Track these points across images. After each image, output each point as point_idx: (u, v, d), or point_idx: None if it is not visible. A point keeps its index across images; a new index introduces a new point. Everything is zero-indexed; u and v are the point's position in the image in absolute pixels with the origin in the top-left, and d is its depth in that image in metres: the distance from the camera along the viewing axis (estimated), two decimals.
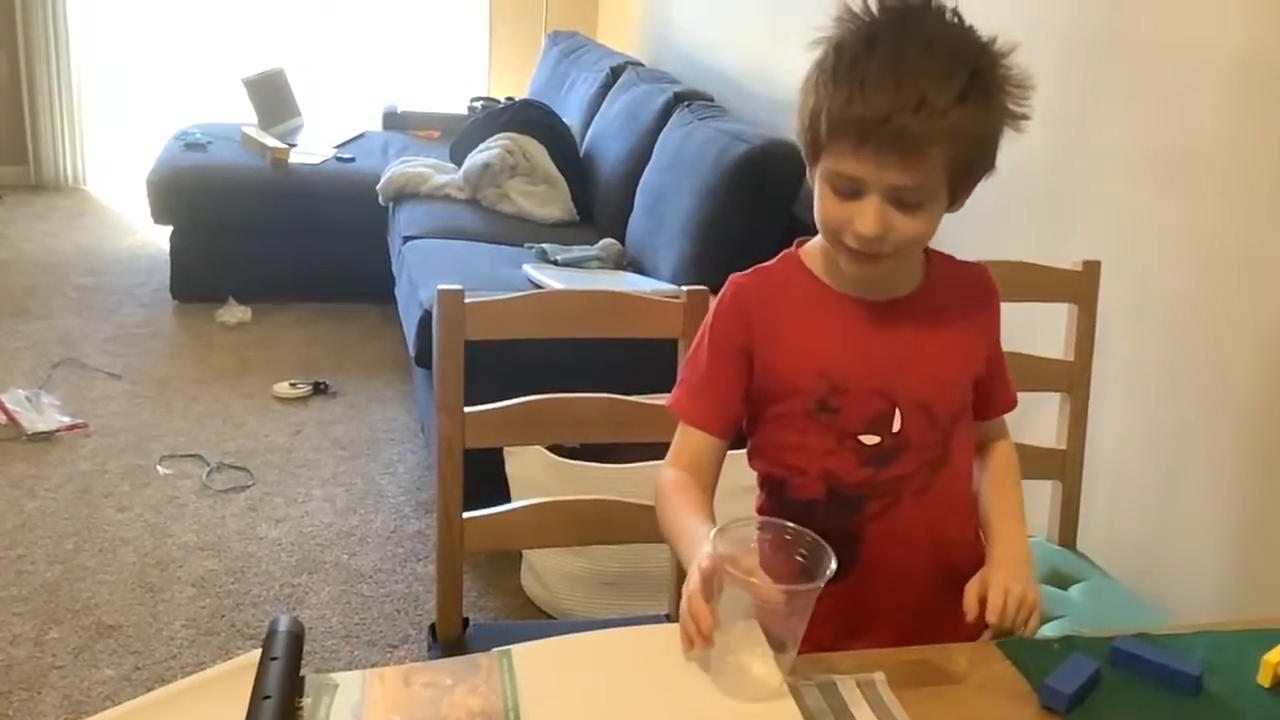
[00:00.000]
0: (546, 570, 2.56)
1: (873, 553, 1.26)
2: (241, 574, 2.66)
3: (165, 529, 2.82)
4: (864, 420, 1.25)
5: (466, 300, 1.56)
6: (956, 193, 1.21)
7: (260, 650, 1.06)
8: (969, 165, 1.18)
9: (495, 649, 1.11)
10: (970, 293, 1.34)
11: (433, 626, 1.64)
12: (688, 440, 1.32)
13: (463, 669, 1.08)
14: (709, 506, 1.26)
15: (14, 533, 2.75)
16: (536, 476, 2.47)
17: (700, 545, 1.11)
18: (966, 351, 1.32)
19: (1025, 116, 1.21)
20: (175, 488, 3.01)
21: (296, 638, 1.08)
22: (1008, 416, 1.44)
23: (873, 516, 1.26)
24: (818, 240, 1.29)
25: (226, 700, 1.01)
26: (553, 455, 2.44)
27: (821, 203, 1.21)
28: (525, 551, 2.63)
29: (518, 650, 1.10)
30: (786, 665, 1.09)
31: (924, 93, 1.11)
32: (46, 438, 3.19)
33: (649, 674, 1.09)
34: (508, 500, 1.68)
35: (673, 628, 1.12)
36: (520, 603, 2.63)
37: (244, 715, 0.97)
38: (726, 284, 1.32)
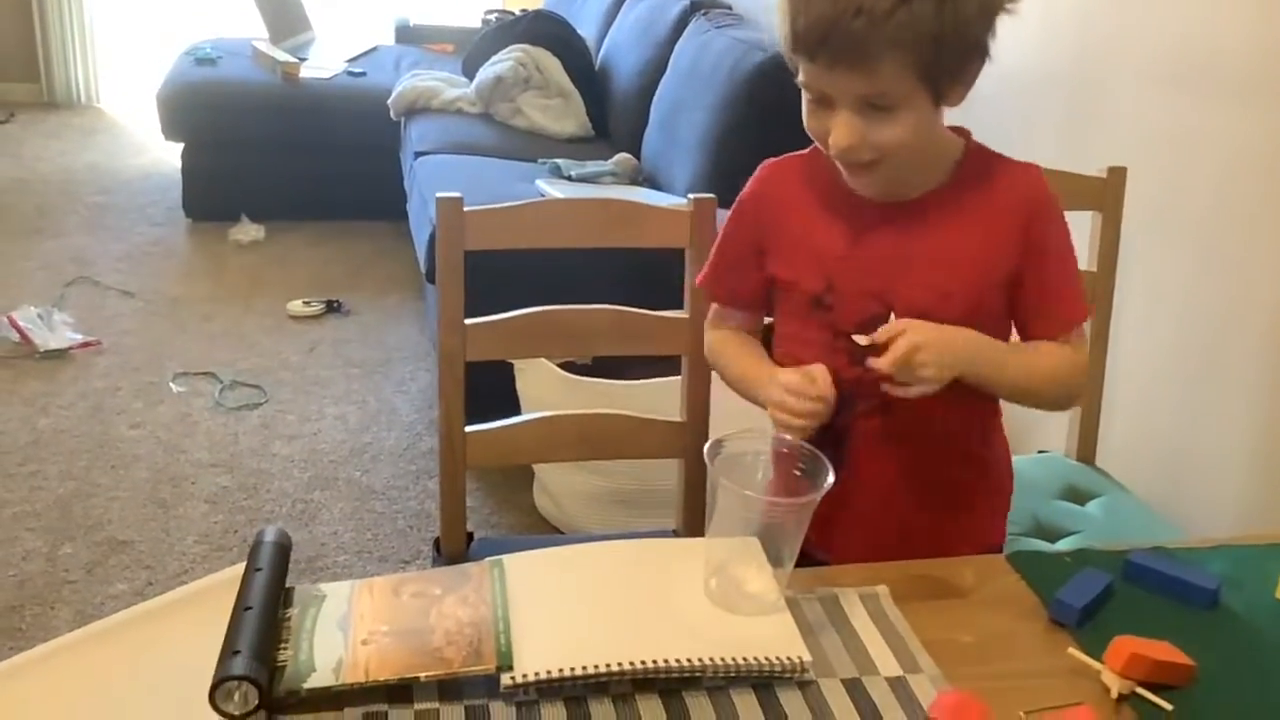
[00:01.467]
0: (558, 487, 2.54)
1: (858, 454, 1.22)
2: (254, 490, 2.66)
3: (178, 446, 2.81)
4: (855, 321, 1.21)
5: (466, 209, 1.51)
6: (941, 90, 1.14)
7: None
8: (938, 64, 1.11)
9: (488, 559, 1.08)
10: (1005, 196, 1.23)
11: (437, 541, 1.62)
12: (721, 311, 1.38)
13: (453, 579, 1.06)
14: (761, 349, 1.33)
15: (27, 449, 2.75)
16: (546, 393, 2.44)
17: (766, 385, 1.18)
18: (983, 259, 1.22)
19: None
20: (188, 405, 3.01)
21: (282, 549, 1.06)
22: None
23: (861, 416, 1.22)
24: None
25: (213, 611, 0.99)
26: (562, 371, 2.41)
27: (805, 117, 1.19)
28: (537, 468, 2.61)
29: (509, 560, 1.08)
30: (784, 579, 1.06)
31: (860, 1, 1.06)
32: (59, 355, 3.18)
33: (643, 587, 1.06)
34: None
35: (669, 541, 1.10)
36: (533, 520, 2.62)
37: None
38: (758, 168, 1.33)
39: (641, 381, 2.29)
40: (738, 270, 1.33)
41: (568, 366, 2.43)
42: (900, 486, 1.28)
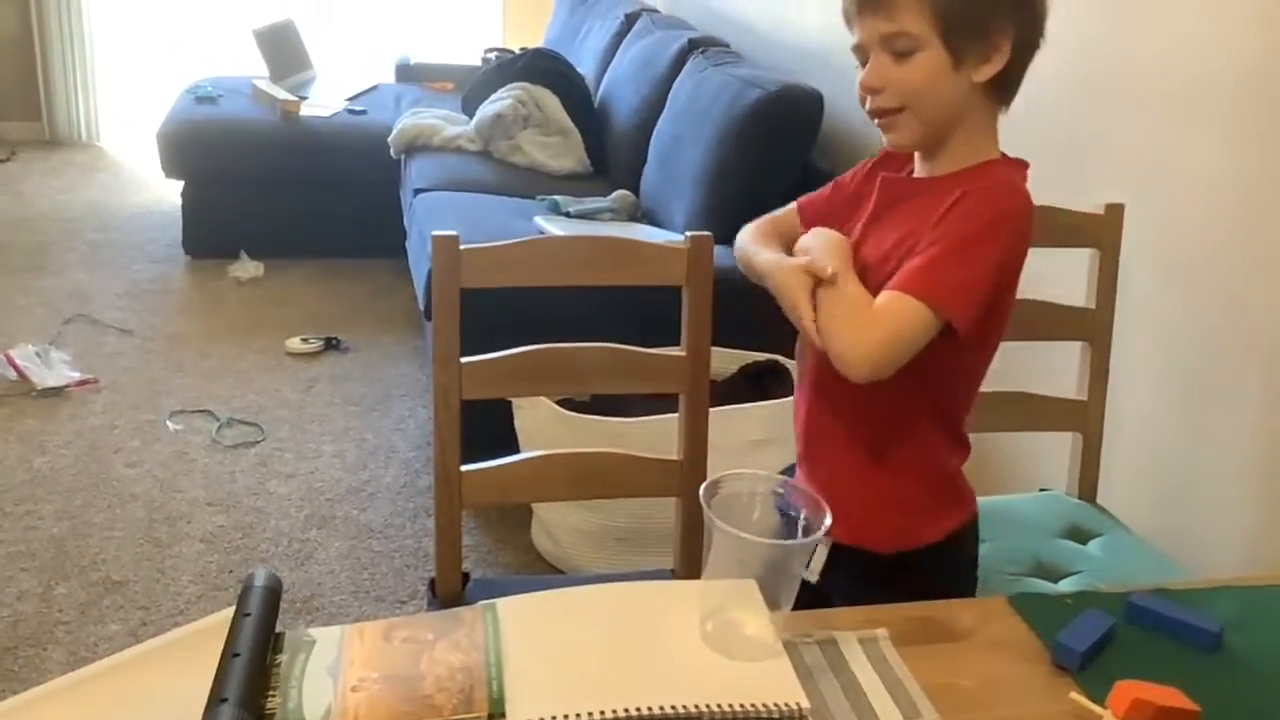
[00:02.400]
0: (556, 525, 2.52)
1: (806, 406, 1.40)
2: (250, 529, 2.64)
3: (174, 484, 2.80)
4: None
5: (462, 247, 1.51)
6: (959, 48, 1.24)
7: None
8: (959, 16, 1.22)
9: (480, 603, 1.07)
10: (960, 190, 1.28)
11: (432, 582, 1.60)
12: (784, 212, 1.50)
13: (445, 624, 1.04)
14: (774, 237, 1.45)
15: (22, 488, 2.73)
16: (545, 430, 2.43)
17: (777, 273, 1.33)
18: (905, 233, 1.31)
19: None
20: (185, 443, 2.99)
21: (273, 593, 1.04)
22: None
23: (805, 371, 1.41)
24: None
25: (203, 656, 0.98)
26: (560, 408, 2.40)
27: (858, 84, 1.31)
28: (535, 506, 2.60)
29: (503, 604, 1.06)
30: (781, 622, 1.04)
31: None
32: (56, 393, 3.17)
33: (639, 631, 1.05)
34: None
35: (664, 584, 1.08)
36: (531, 558, 2.60)
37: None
38: (882, 150, 1.44)
39: (641, 419, 2.28)
40: (832, 202, 1.46)
41: (566, 404, 2.43)
42: (842, 448, 1.39)
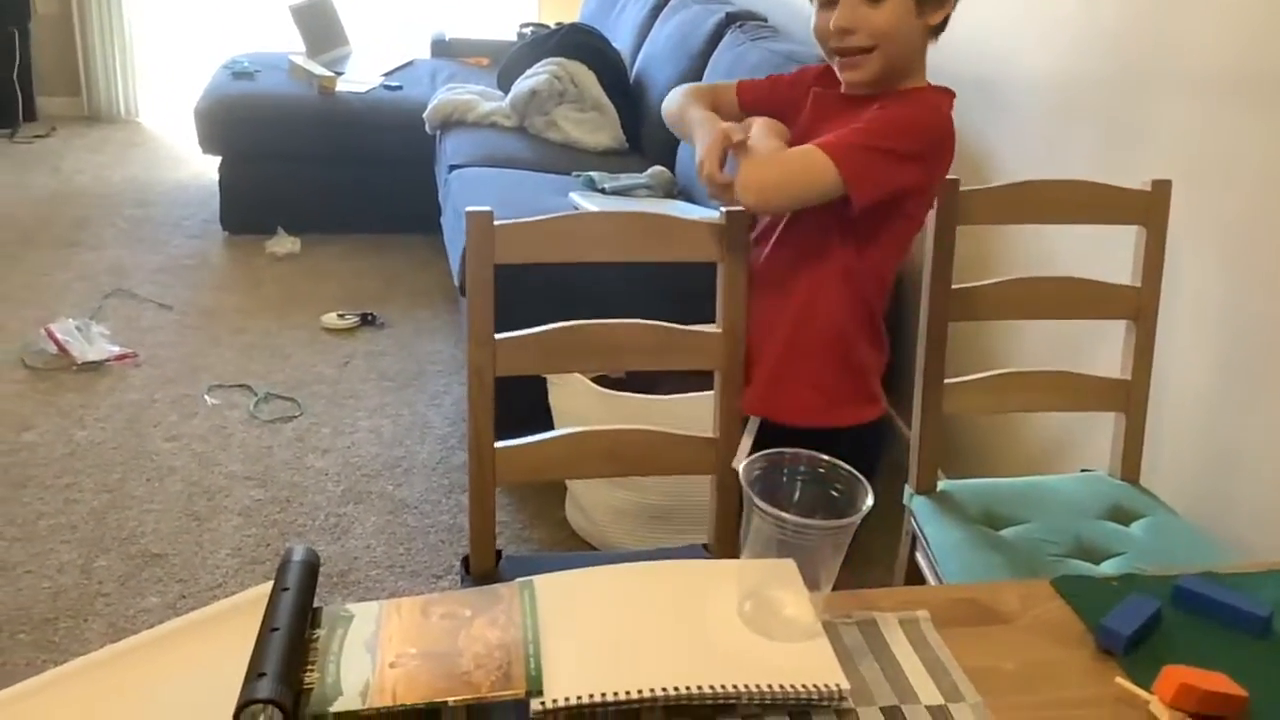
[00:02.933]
0: (590, 502, 2.52)
1: (756, 281, 1.56)
2: (287, 503, 2.66)
3: (212, 458, 2.82)
4: None
5: (496, 223, 1.50)
6: None
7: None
8: None
9: (518, 579, 1.07)
10: (892, 101, 1.51)
11: (465, 559, 1.60)
12: (723, 86, 1.73)
13: (483, 600, 1.04)
14: (707, 98, 1.70)
15: (63, 461, 2.76)
16: (579, 407, 2.42)
17: (706, 125, 1.58)
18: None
19: None
20: (223, 418, 3.02)
21: (310, 568, 1.04)
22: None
23: (756, 253, 1.61)
24: None
25: (241, 630, 0.98)
26: (595, 385, 2.39)
27: (814, 24, 1.51)
28: (569, 483, 2.60)
29: (540, 581, 1.06)
30: (820, 603, 1.03)
31: None
32: (96, 367, 3.20)
33: (676, 611, 1.04)
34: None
35: (702, 563, 1.07)
36: (565, 534, 2.60)
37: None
38: (807, 66, 1.73)
39: (676, 396, 2.27)
40: (771, 94, 1.69)
41: (601, 381, 2.42)
42: (781, 326, 1.60)
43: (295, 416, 3.04)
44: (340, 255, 4.15)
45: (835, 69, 1.57)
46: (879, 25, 1.46)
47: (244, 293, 3.82)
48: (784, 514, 0.99)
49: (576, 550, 2.54)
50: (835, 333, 1.61)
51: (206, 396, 3.11)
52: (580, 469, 1.67)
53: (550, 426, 1.89)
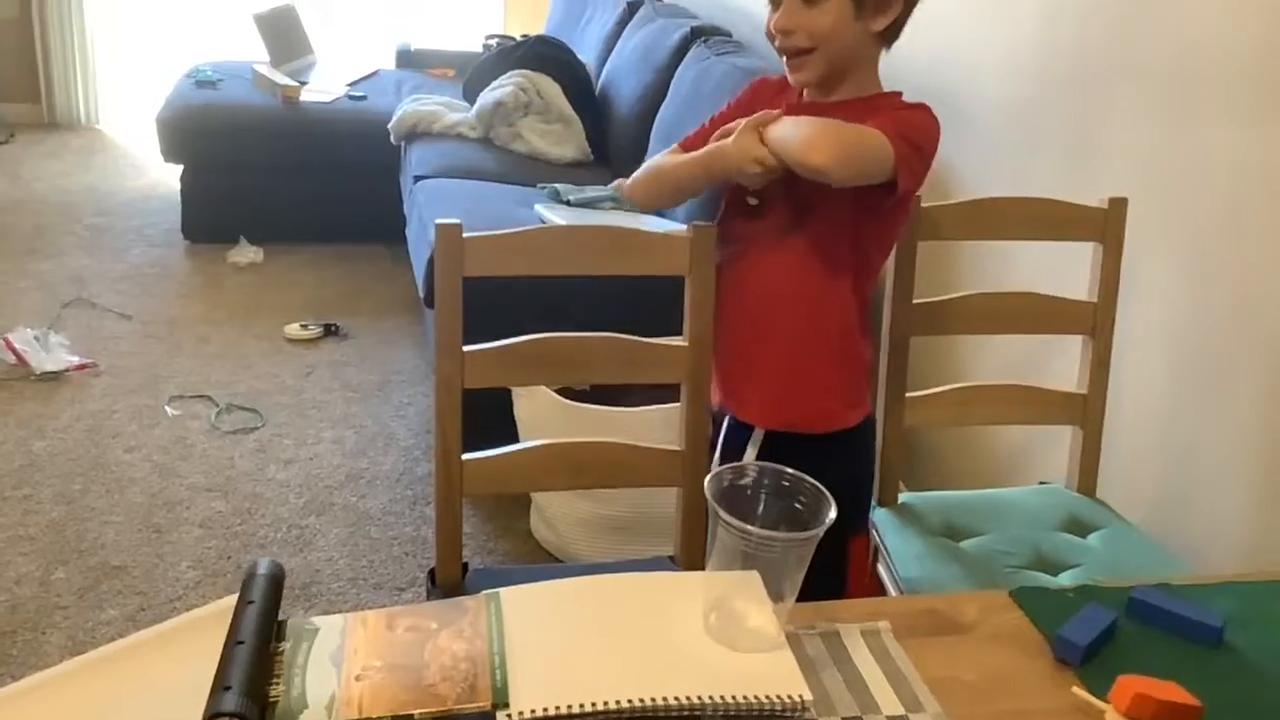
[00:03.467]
0: (555, 514, 2.52)
1: (754, 291, 1.59)
2: (249, 515, 2.64)
3: (173, 469, 2.80)
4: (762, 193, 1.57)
5: (465, 235, 1.50)
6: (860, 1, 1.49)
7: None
8: None
9: (484, 591, 1.07)
10: (872, 112, 1.51)
11: (431, 571, 1.60)
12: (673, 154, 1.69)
13: (449, 612, 1.04)
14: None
15: (21, 472, 2.73)
16: (545, 419, 2.43)
17: (716, 145, 1.58)
18: None
19: None
20: (184, 428, 2.99)
21: (275, 581, 1.04)
22: None
23: (751, 262, 1.59)
24: None
25: (204, 644, 0.98)
26: (560, 397, 2.39)
27: (767, 24, 1.54)
28: (534, 495, 2.60)
29: (506, 593, 1.06)
30: (784, 614, 1.04)
31: None
32: (55, 377, 3.17)
33: (642, 622, 1.05)
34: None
35: (668, 575, 1.08)
36: (530, 547, 2.60)
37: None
38: (748, 85, 1.73)
39: (640, 409, 2.28)
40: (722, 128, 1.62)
41: (566, 393, 2.42)
42: (785, 332, 1.60)
43: (257, 427, 3.02)
44: (303, 265, 4.13)
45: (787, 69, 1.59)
46: (817, 26, 1.49)
47: (206, 302, 3.79)
48: (749, 526, 1.00)
49: (542, 563, 2.54)
50: (845, 334, 1.62)
51: (167, 407, 3.08)
52: (548, 481, 1.68)
53: (515, 438, 1.90)
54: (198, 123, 4.19)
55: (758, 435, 1.63)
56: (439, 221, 1.49)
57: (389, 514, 2.68)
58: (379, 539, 2.59)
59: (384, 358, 3.48)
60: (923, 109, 1.55)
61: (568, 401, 2.39)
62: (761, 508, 1.07)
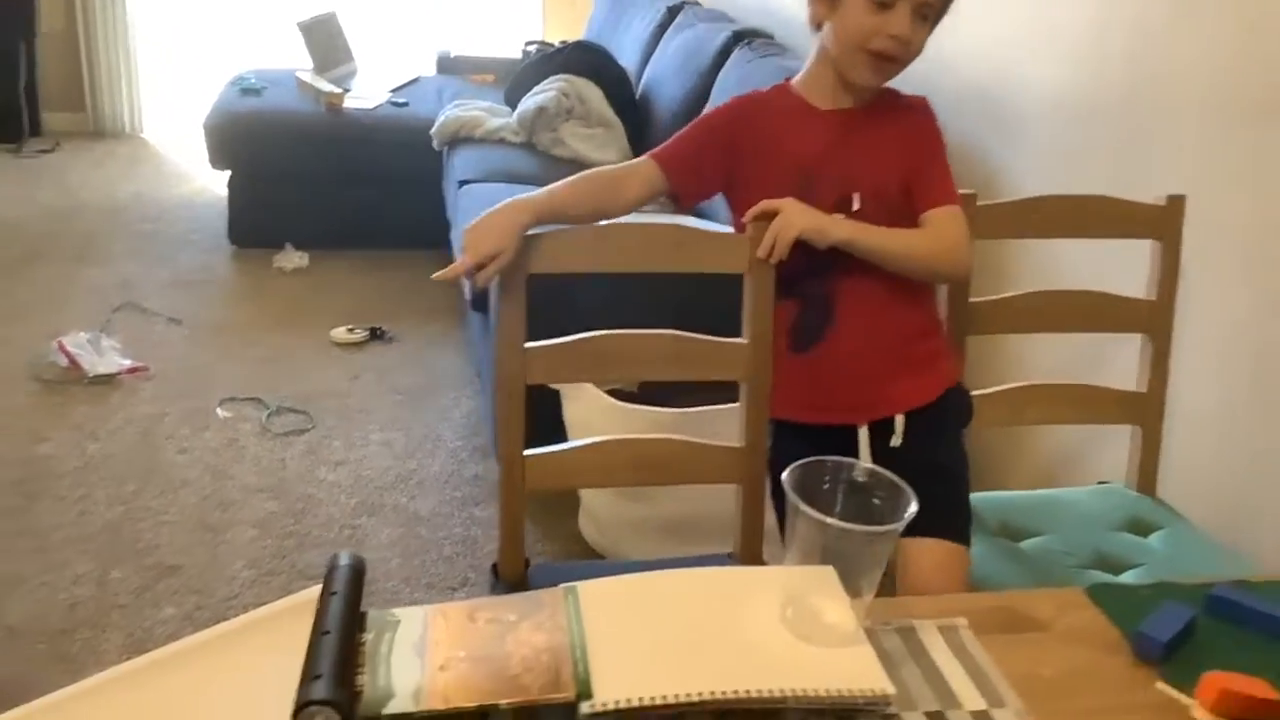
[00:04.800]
0: (604, 515, 2.53)
1: (844, 309, 1.59)
2: (301, 515, 2.66)
3: (225, 471, 2.83)
4: (830, 202, 1.56)
5: (530, 232, 1.51)
6: (938, 22, 1.55)
7: (321, 586, 1.04)
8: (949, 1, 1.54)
9: (561, 585, 1.07)
10: (910, 115, 1.64)
11: (494, 566, 1.61)
12: (640, 163, 1.66)
13: (527, 605, 1.05)
14: (586, 191, 1.63)
15: (76, 474, 2.77)
16: (593, 419, 2.43)
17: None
18: (903, 149, 1.61)
19: None
20: (235, 430, 3.02)
21: (357, 572, 1.05)
22: None
23: (841, 274, 1.57)
24: (803, 73, 1.65)
25: (288, 635, 0.99)
26: (610, 398, 2.40)
27: (854, 15, 1.51)
28: (583, 496, 2.60)
29: (584, 587, 1.07)
30: (862, 610, 1.04)
31: None
32: (107, 381, 3.20)
33: (719, 616, 1.05)
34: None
35: (742, 570, 1.09)
36: (579, 547, 2.60)
37: (304, 650, 0.95)
38: (729, 100, 1.70)
39: (692, 410, 2.28)
40: (691, 150, 1.65)
41: (614, 393, 2.43)
42: (875, 346, 1.61)
43: (307, 430, 3.05)
44: (348, 270, 4.16)
45: (857, 68, 1.55)
46: (918, 43, 1.54)
47: (253, 307, 3.83)
48: (827, 518, 1.00)
49: (596, 561, 2.54)
50: (931, 306, 1.70)
51: (218, 409, 3.11)
52: (608, 478, 1.69)
53: (561, 439, 1.90)
54: (245, 130, 4.23)
55: (862, 435, 1.62)
56: None
57: (438, 515, 2.70)
58: (429, 539, 2.60)
59: (429, 361, 3.50)
60: (932, 114, 1.65)
61: (618, 402, 2.39)
62: (839, 504, 1.07)
